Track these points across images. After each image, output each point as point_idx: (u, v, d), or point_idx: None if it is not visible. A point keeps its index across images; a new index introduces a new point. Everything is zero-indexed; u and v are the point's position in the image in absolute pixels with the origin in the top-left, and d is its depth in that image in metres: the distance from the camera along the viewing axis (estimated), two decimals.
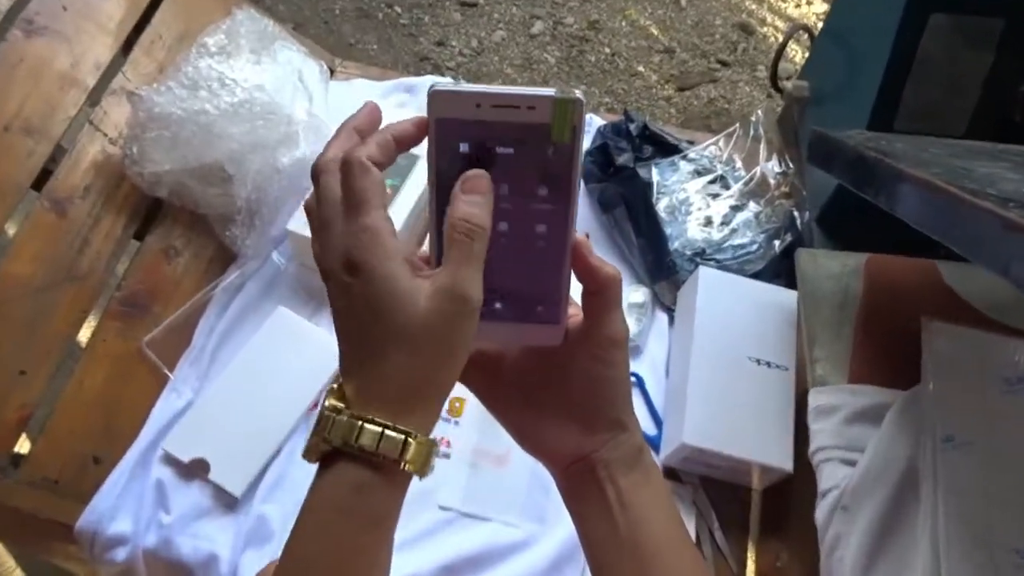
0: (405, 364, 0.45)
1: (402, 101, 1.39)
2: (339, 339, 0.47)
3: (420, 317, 0.44)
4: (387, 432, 0.45)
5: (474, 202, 0.46)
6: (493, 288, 0.49)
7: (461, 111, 0.45)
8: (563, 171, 0.46)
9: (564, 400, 0.53)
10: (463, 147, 0.46)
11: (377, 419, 0.45)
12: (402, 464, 0.45)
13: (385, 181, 0.47)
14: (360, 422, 0.45)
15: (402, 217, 1.07)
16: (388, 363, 0.45)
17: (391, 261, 0.45)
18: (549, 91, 0.45)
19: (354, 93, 1.38)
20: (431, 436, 0.47)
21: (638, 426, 0.54)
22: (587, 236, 0.50)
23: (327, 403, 0.47)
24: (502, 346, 0.56)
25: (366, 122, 0.50)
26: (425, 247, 0.51)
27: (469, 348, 0.46)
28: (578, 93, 0.45)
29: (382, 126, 0.50)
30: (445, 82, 0.46)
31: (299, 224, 1.09)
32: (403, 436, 0.45)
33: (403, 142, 0.48)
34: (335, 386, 0.48)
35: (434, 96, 0.45)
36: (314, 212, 0.48)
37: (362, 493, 0.46)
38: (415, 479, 0.47)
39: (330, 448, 0.46)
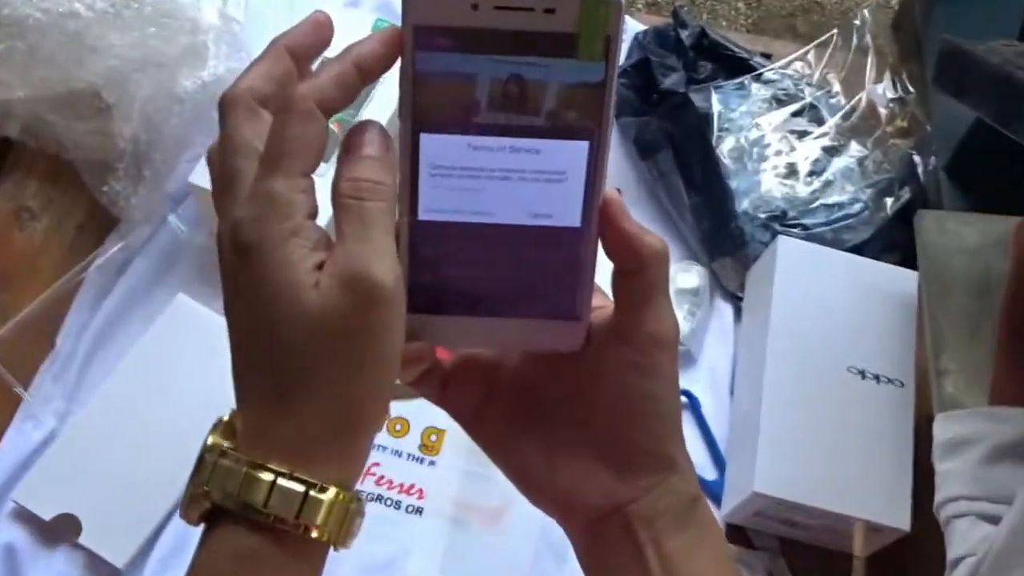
0: (306, 385, 0.45)
1: None
2: (230, 341, 0.48)
3: (312, 317, 0.44)
4: (281, 483, 0.45)
5: (365, 157, 0.46)
6: (483, 269, 0.49)
7: (451, 15, 0.45)
8: (592, 101, 0.46)
9: (587, 429, 0.53)
10: (453, 70, 0.46)
11: (270, 464, 0.45)
12: (304, 528, 0.45)
13: (329, 128, 0.46)
14: (246, 468, 0.45)
15: None
16: (284, 383, 0.45)
17: (289, 243, 0.45)
18: None
19: None
20: (355, 488, 0.47)
21: (691, 467, 0.54)
22: (618, 192, 0.49)
23: (209, 440, 0.47)
24: (497, 352, 0.56)
25: (309, 40, 0.50)
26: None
27: (395, 356, 0.46)
28: None
29: (332, 47, 0.49)
30: None
31: (207, 175, 1.07)
32: (304, 489, 0.45)
33: (368, 71, 0.47)
34: (225, 416, 0.48)
35: None
36: (216, 162, 0.48)
37: (246, 566, 0.46)
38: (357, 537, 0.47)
39: (210, 504, 0.46)
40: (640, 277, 0.50)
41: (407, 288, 0.48)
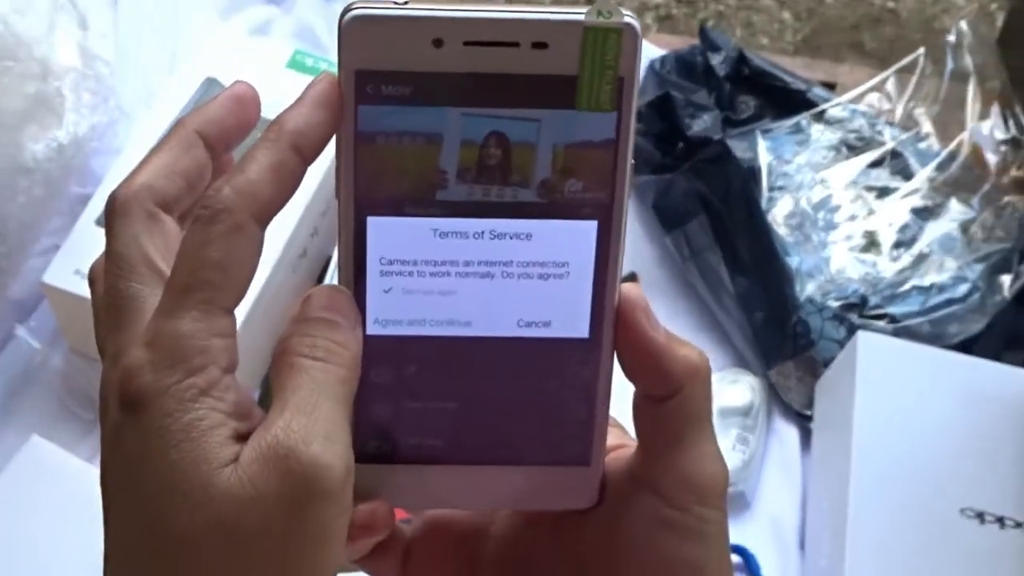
0: None
1: (262, 21, 1.39)
2: (104, 530, 0.47)
3: (223, 509, 0.43)
4: None
5: (331, 321, 0.46)
6: (457, 400, 0.49)
7: (405, 56, 0.45)
8: (601, 166, 0.47)
9: None
10: (410, 129, 0.46)
11: None
12: None
13: (261, 242, 0.46)
14: None
15: (258, 279, 1.07)
16: None
17: (198, 403, 0.44)
18: (573, 13, 0.45)
19: (169, 13, 1.37)
20: None
21: None
22: (636, 280, 0.49)
23: None
24: (478, 515, 0.56)
25: (228, 121, 0.50)
26: None
27: (333, 559, 0.46)
28: (627, 15, 0.45)
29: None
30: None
31: (65, 273, 1.09)
32: None
33: (311, 151, 0.46)
34: None
35: (353, 27, 0.45)
36: (101, 285, 0.48)
37: None
38: None
39: None
40: (673, 404, 0.50)
41: (354, 427, 0.47)
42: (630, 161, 0.46)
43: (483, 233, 0.47)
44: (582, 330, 0.49)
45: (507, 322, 0.49)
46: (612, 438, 0.52)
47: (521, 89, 0.46)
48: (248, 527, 0.43)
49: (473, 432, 0.50)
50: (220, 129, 0.49)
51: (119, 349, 0.46)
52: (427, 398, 0.49)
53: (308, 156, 0.46)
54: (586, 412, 0.50)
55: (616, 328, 0.49)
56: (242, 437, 0.44)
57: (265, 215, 0.45)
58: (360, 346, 0.47)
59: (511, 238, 0.48)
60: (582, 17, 0.45)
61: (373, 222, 0.47)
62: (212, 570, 0.44)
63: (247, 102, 0.50)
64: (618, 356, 0.50)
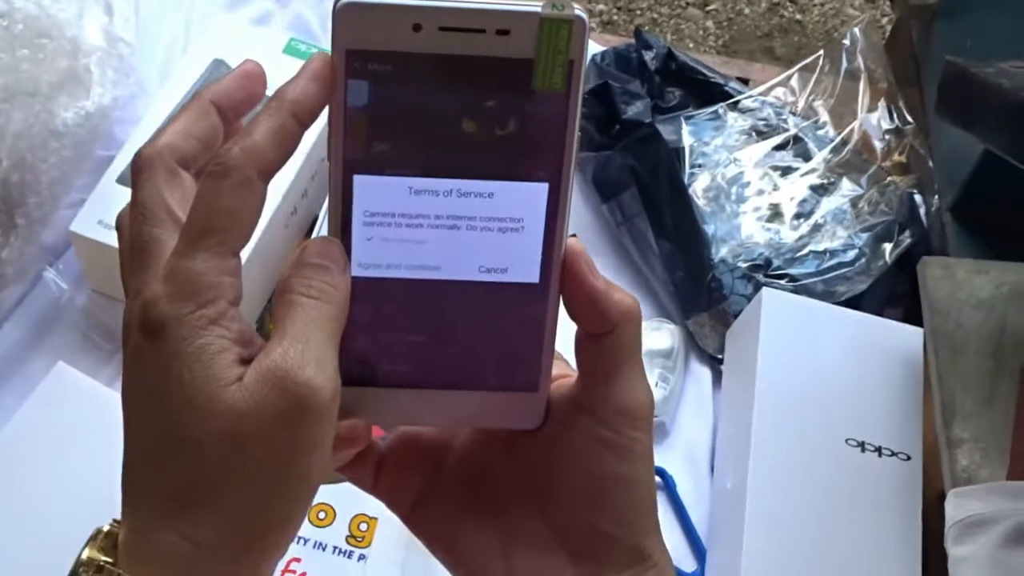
0: (207, 496, 0.45)
1: (263, 13, 1.38)
2: (124, 437, 0.48)
3: (228, 416, 0.44)
4: None
5: (324, 265, 0.47)
6: (426, 333, 0.50)
7: (388, 38, 0.45)
8: (552, 136, 0.47)
9: (548, 518, 0.53)
10: (391, 101, 0.46)
11: None
12: None
13: (264, 196, 0.46)
14: None
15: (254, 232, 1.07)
16: (181, 490, 0.45)
17: (208, 330, 0.45)
18: (532, 6, 0.45)
19: (183, 3, 1.37)
20: None
21: (669, 560, 0.54)
22: (575, 239, 0.50)
23: (84, 554, 0.48)
24: (441, 431, 0.56)
25: (239, 94, 0.50)
26: None
27: (315, 483, 0.46)
28: (577, 8, 0.45)
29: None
30: None
31: (90, 223, 1.08)
32: None
33: (307, 118, 0.47)
34: (108, 526, 0.49)
35: (345, 12, 0.45)
36: (127, 230, 0.48)
37: None
38: None
39: None
40: (609, 341, 0.50)
41: (339, 356, 0.48)
42: (577, 133, 0.47)
43: (451, 191, 0.48)
44: (533, 276, 0.49)
45: (470, 268, 0.49)
46: (556, 369, 0.52)
47: (487, 69, 0.46)
48: (249, 434, 0.44)
49: (438, 361, 0.50)
50: (231, 100, 0.50)
51: (141, 285, 0.46)
52: (400, 331, 0.50)
53: (305, 122, 0.46)
54: (535, 346, 0.51)
55: (562, 275, 0.49)
56: (245, 361, 0.45)
57: (268, 171, 0.46)
58: (348, 288, 0.47)
59: (475, 196, 0.48)
60: (539, 9, 0.45)
61: (358, 180, 0.47)
62: (218, 469, 0.45)
63: (255, 78, 0.51)
64: (563, 299, 0.50)
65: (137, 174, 0.48)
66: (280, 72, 1.21)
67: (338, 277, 0.47)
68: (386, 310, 0.49)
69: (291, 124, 0.46)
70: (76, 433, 1.05)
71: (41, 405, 1.07)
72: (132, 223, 0.47)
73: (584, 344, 0.51)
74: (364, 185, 0.47)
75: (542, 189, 0.48)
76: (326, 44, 1.30)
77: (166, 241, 0.46)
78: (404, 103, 0.46)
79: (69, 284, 1.15)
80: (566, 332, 0.51)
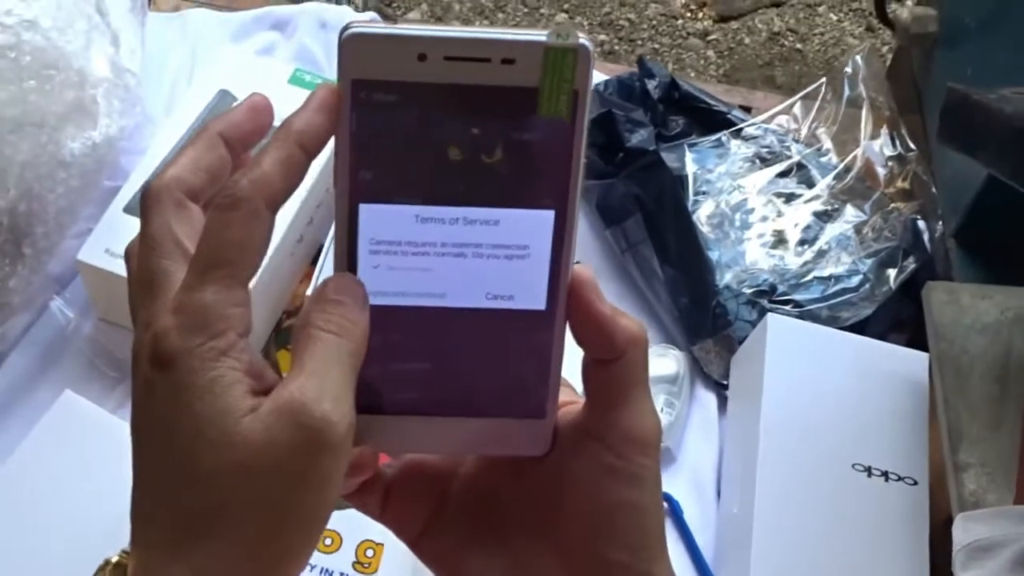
0: (216, 528, 0.44)
1: (267, 44, 1.38)
2: (133, 468, 0.47)
3: (241, 448, 0.44)
4: None
5: (345, 302, 0.47)
6: (433, 360, 0.49)
7: (394, 68, 0.45)
8: (558, 164, 0.47)
9: (555, 545, 0.52)
10: (394, 128, 0.46)
11: None
12: None
13: (272, 226, 0.46)
14: None
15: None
16: (191, 522, 0.45)
17: (220, 361, 0.45)
18: (537, 34, 0.45)
19: (189, 35, 1.37)
20: None
21: None
22: (581, 265, 0.50)
23: None
24: (448, 458, 0.56)
25: (247, 127, 0.50)
26: None
27: (326, 517, 0.46)
28: (583, 38, 0.45)
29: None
30: (365, 20, 0.46)
31: (97, 252, 1.08)
32: None
33: (314, 148, 0.47)
34: (116, 556, 0.49)
35: (351, 43, 0.45)
36: (136, 262, 0.48)
37: None
38: None
39: None
40: (616, 367, 0.50)
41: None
42: (583, 160, 0.47)
43: (457, 219, 0.47)
44: (540, 303, 0.49)
45: (477, 295, 0.49)
46: (563, 395, 0.52)
47: (492, 98, 0.46)
48: (263, 467, 0.44)
49: (445, 388, 0.50)
50: (239, 132, 0.50)
51: (150, 317, 0.46)
52: (407, 359, 0.49)
53: (312, 152, 0.47)
54: (542, 372, 0.50)
55: (568, 301, 0.49)
56: (257, 392, 0.45)
57: (276, 202, 0.46)
58: (367, 324, 0.47)
59: (480, 224, 0.48)
60: (544, 38, 0.45)
61: (364, 209, 0.47)
62: (231, 501, 0.44)
63: (263, 110, 0.51)
64: (570, 325, 0.50)
65: (146, 207, 0.48)
66: (286, 102, 1.21)
67: (357, 313, 0.47)
68: (392, 338, 0.49)
69: (298, 155, 0.46)
70: (83, 461, 1.05)
71: (48, 433, 1.06)
72: (141, 255, 0.48)
73: (591, 370, 0.51)
74: (370, 214, 0.47)
75: (548, 216, 0.48)
76: (331, 74, 1.30)
77: (175, 273, 0.46)
78: (410, 132, 0.46)
79: (75, 313, 1.15)
80: (573, 358, 0.51)
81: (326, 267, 1.08)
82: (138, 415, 0.47)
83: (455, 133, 0.46)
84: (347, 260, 0.48)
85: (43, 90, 1.09)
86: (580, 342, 0.50)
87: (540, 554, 0.53)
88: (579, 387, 0.53)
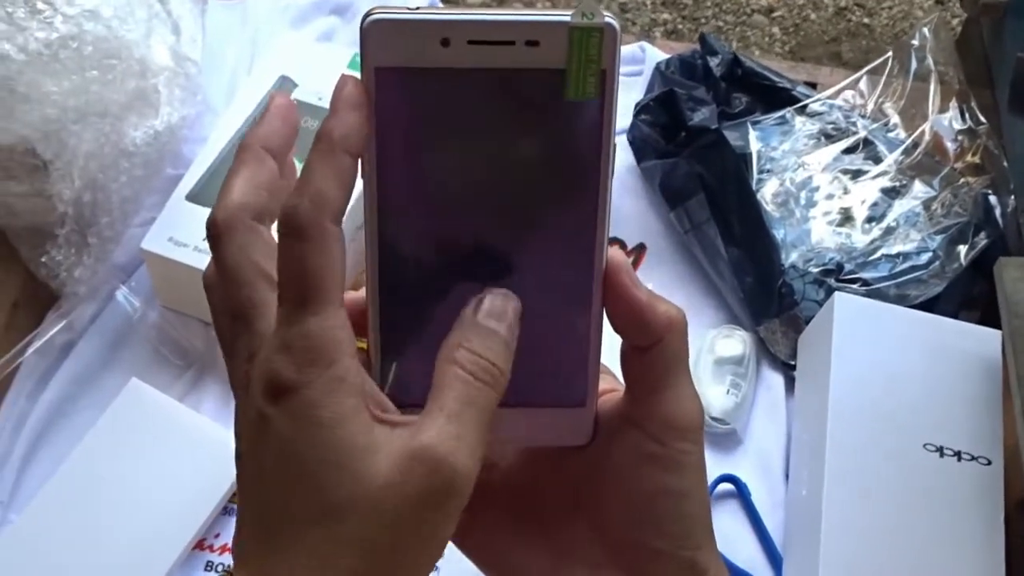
0: (343, 558, 0.45)
1: (327, 30, 1.39)
2: (240, 503, 0.48)
3: (377, 492, 0.44)
4: None
5: (497, 334, 0.47)
6: None
7: (417, 53, 0.45)
8: (587, 148, 0.47)
9: (598, 534, 0.53)
10: (420, 116, 0.46)
11: None
12: None
13: (344, 239, 0.46)
14: None
15: None
16: (313, 560, 0.45)
17: (345, 393, 0.45)
18: (561, 15, 0.45)
19: (249, 22, 1.38)
20: None
21: (724, 571, 0.53)
22: (638, 251, 0.49)
23: None
24: (489, 448, 0.55)
25: (282, 132, 0.51)
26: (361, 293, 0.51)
27: (447, 537, 0.46)
28: (608, 16, 0.45)
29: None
30: (388, 5, 0.45)
31: (161, 241, 1.09)
32: None
33: (357, 148, 0.46)
34: None
35: (372, 30, 0.45)
36: (221, 295, 0.49)
37: None
38: None
39: None
40: (655, 353, 0.50)
41: (380, 377, 0.48)
42: (613, 142, 0.46)
43: (488, 206, 0.48)
44: (576, 291, 0.49)
45: (512, 284, 0.49)
46: (603, 383, 0.52)
47: (518, 81, 0.46)
48: (391, 506, 0.44)
49: None
50: (280, 140, 0.51)
51: (252, 349, 0.47)
52: None
53: (356, 154, 0.46)
54: (581, 361, 0.50)
55: (604, 287, 0.49)
56: (378, 419, 0.45)
57: (339, 215, 0.45)
58: (510, 371, 0.47)
59: (512, 209, 0.48)
60: (568, 18, 0.45)
61: (393, 197, 0.47)
62: (357, 536, 0.44)
63: (289, 112, 0.51)
64: (607, 312, 0.49)
65: (217, 239, 0.48)
66: None
67: (506, 360, 0.47)
68: (435, 330, 0.48)
69: (345, 161, 0.46)
70: (150, 448, 1.06)
71: (116, 420, 1.08)
72: (225, 288, 0.48)
73: (630, 357, 0.51)
74: (399, 202, 0.47)
75: (580, 200, 0.48)
76: None
77: (264, 301, 0.47)
78: (436, 118, 0.46)
79: (141, 301, 1.16)
80: (611, 347, 0.51)
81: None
82: (252, 450, 0.47)
83: (482, 117, 0.46)
84: (379, 251, 0.47)
85: (105, 80, 1.10)
86: (617, 328, 0.50)
87: (583, 543, 0.53)
88: (619, 374, 0.53)
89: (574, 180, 0.47)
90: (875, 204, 1.19)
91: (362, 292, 0.49)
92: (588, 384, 0.51)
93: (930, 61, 1.28)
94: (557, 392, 0.51)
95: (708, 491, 0.53)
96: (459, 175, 0.47)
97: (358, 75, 0.46)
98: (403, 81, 0.45)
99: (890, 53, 1.30)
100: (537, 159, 0.47)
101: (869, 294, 1.11)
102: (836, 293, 1.08)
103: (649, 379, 0.50)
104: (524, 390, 0.50)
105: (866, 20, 2.48)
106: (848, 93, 1.29)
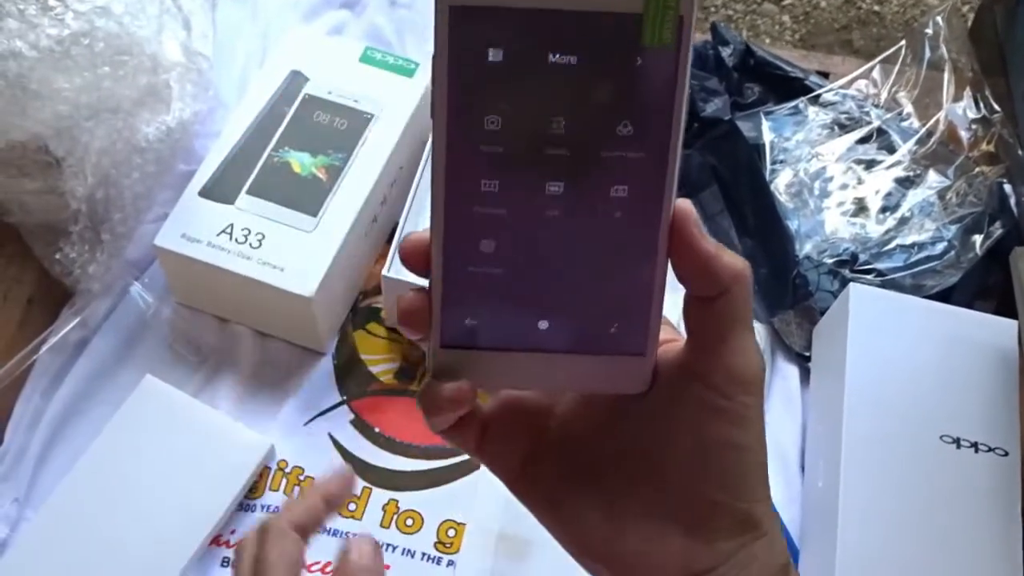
0: None
1: (337, 24, 1.39)
2: None
3: None
4: None
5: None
6: (532, 296, 0.49)
7: None
8: (661, 95, 0.47)
9: (655, 484, 0.53)
10: (493, 57, 0.46)
11: None
12: None
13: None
14: None
15: (335, 241, 1.07)
16: None
17: None
18: None
19: (259, 17, 1.38)
20: None
21: (780, 530, 0.53)
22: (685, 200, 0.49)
23: None
24: (546, 395, 0.56)
25: (341, 493, 0.76)
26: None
27: None
28: None
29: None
30: None
31: (174, 237, 1.09)
32: None
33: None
34: None
35: None
36: (246, 552, 0.66)
37: None
38: None
39: None
40: (719, 304, 0.50)
41: (441, 317, 0.48)
42: (687, 91, 0.46)
43: (560, 150, 0.48)
44: (642, 237, 0.49)
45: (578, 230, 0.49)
46: (664, 333, 0.52)
47: (595, 24, 0.45)
48: None
49: (546, 324, 0.50)
50: (336, 497, 0.76)
51: None
52: (507, 296, 0.49)
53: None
54: (643, 308, 0.50)
55: (671, 236, 0.49)
56: None
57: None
58: None
59: (583, 154, 0.48)
60: None
61: (466, 140, 0.47)
62: None
63: (351, 483, 0.78)
64: (672, 261, 0.49)
65: (264, 533, 0.69)
66: (358, 80, 1.22)
67: None
68: (493, 272, 0.49)
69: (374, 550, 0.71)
70: (165, 443, 1.06)
71: (131, 417, 1.08)
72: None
73: (693, 308, 0.50)
74: (469, 143, 0.47)
75: (651, 147, 0.47)
76: (400, 51, 1.31)
77: None
78: (508, 59, 0.46)
79: (154, 297, 1.17)
80: (674, 298, 0.50)
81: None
82: None
83: (555, 60, 0.46)
84: (446, 193, 0.47)
85: (117, 76, 1.10)
86: (682, 278, 0.50)
87: (638, 493, 0.53)
88: (679, 325, 0.53)
89: (646, 126, 0.47)
90: (889, 194, 1.18)
91: (427, 231, 0.49)
92: (649, 333, 0.51)
93: (943, 50, 1.28)
94: (617, 340, 0.51)
95: (766, 445, 0.53)
96: (530, 118, 0.47)
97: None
98: (477, 19, 0.45)
99: (903, 42, 1.29)
100: (609, 104, 0.47)
101: (884, 284, 1.11)
102: (851, 284, 1.08)
103: (713, 330, 0.50)
104: (584, 337, 0.50)
105: (876, 8, 2.48)
106: (861, 82, 1.29)
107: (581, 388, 0.54)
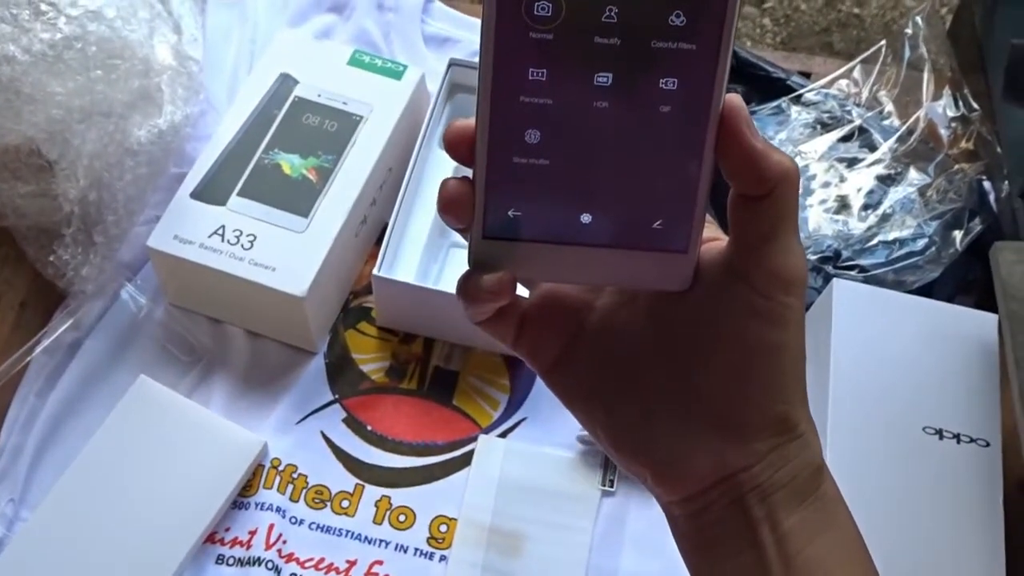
0: None
1: (325, 27, 1.39)
2: None
3: None
4: None
5: None
6: (576, 189, 0.49)
7: None
8: None
9: (692, 383, 0.52)
10: None
11: None
12: None
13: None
14: None
15: (326, 242, 1.08)
16: None
17: None
18: None
19: (248, 20, 1.38)
20: None
21: (815, 432, 0.53)
22: (735, 95, 0.49)
23: None
24: (585, 290, 0.56)
25: None
26: None
27: None
28: None
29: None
30: None
31: (166, 238, 1.09)
32: None
33: None
34: None
35: None
36: None
37: None
38: None
39: None
40: (765, 203, 0.49)
41: (484, 207, 0.48)
42: None
43: (611, 46, 0.47)
44: (690, 133, 0.48)
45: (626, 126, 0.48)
46: (706, 231, 0.51)
47: None
48: None
49: (589, 217, 0.49)
50: None
51: None
52: (551, 187, 0.49)
53: None
54: (687, 205, 0.49)
55: (720, 132, 0.48)
56: None
57: None
58: None
59: (633, 49, 0.47)
60: None
61: (516, 19, 0.46)
62: None
63: None
64: (720, 157, 0.48)
65: None
66: (346, 84, 1.22)
67: None
68: (538, 163, 0.48)
69: None
70: (159, 444, 1.06)
71: (125, 418, 1.08)
72: None
73: (739, 206, 0.50)
74: (521, 27, 0.46)
75: (703, 39, 0.46)
76: (388, 55, 1.30)
77: None
78: None
79: (147, 299, 1.17)
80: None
81: (390, 247, 1.08)
82: None
83: None
84: (493, 59, 0.47)
85: (109, 79, 1.10)
86: (730, 175, 0.49)
87: (676, 392, 0.53)
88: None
89: (698, 17, 0.46)
90: (871, 191, 1.18)
91: (471, 119, 0.48)
92: (692, 230, 0.50)
93: (923, 49, 1.28)
94: (660, 236, 0.50)
95: (805, 348, 0.52)
96: (582, 5, 0.46)
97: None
98: None
99: (883, 42, 1.29)
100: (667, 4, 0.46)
101: (867, 280, 1.11)
102: (835, 279, 1.08)
103: (758, 230, 0.50)
104: (627, 232, 0.50)
105: (856, 10, 2.48)
106: (842, 82, 1.29)
107: (622, 284, 0.54)
